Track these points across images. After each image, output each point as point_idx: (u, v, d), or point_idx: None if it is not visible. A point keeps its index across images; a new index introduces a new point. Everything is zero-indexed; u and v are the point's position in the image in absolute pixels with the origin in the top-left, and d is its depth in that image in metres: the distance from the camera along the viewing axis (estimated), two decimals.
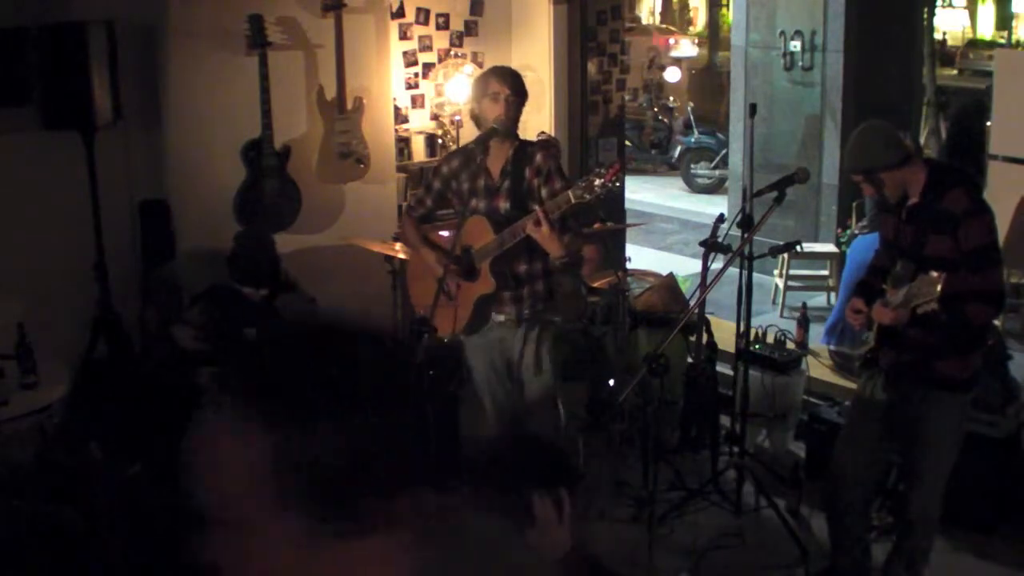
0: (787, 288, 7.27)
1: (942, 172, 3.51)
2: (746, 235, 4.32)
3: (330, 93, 5.23)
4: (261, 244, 4.47)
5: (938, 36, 14.32)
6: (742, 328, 4.69)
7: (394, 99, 5.71)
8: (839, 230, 7.56)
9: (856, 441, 3.80)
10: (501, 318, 3.98)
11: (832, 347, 5.64)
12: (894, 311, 3.37)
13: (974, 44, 18.97)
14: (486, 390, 4.15)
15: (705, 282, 4.59)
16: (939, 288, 3.13)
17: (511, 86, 3.79)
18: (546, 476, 2.02)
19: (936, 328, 3.35)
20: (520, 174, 3.84)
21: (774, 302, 7.39)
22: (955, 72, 16.65)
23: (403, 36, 5.78)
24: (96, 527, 2.58)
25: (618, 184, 3.52)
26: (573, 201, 3.55)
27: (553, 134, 6.00)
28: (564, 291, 4.04)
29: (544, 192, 3.81)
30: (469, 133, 5.74)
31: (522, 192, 3.82)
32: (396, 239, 5.15)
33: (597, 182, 3.48)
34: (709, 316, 5.21)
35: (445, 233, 4.25)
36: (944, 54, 16.29)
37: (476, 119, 3.87)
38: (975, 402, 4.60)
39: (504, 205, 3.86)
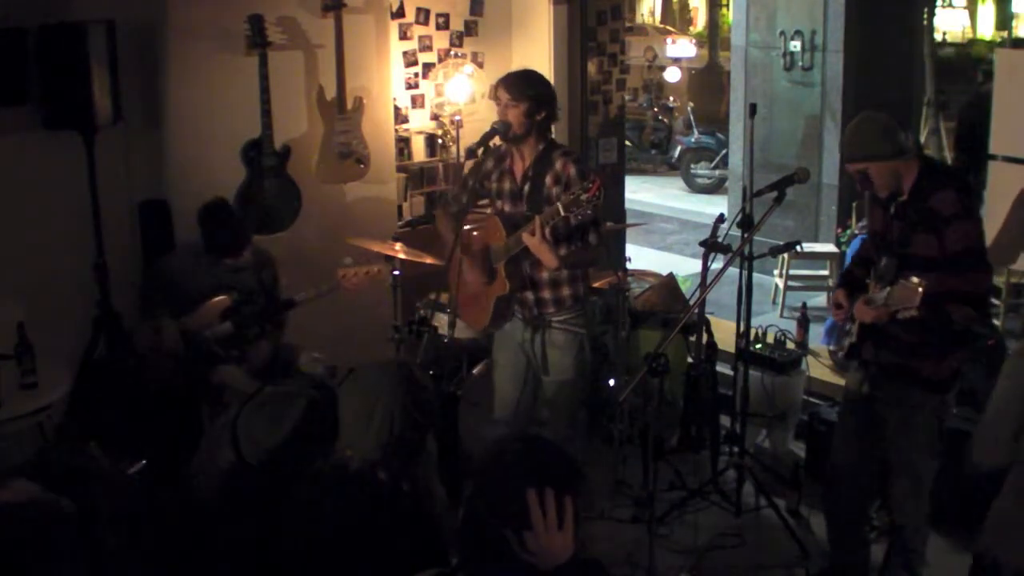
0: (787, 288, 7.27)
1: (934, 171, 3.51)
2: (746, 235, 4.32)
3: (330, 93, 5.23)
4: (224, 213, 4.47)
5: (938, 36, 14.32)
6: (742, 328, 4.70)
7: (394, 99, 5.71)
8: (839, 230, 7.56)
9: (848, 438, 3.81)
10: (518, 318, 4.00)
11: (832, 347, 5.64)
12: (875, 310, 3.37)
13: (974, 44, 18.95)
14: (498, 383, 4.17)
15: (705, 282, 4.59)
16: (920, 295, 3.13)
17: (510, 92, 3.80)
18: (548, 479, 2.02)
19: (917, 327, 3.36)
20: (541, 179, 3.83)
21: (774, 302, 7.40)
22: None
23: (403, 36, 5.77)
24: (93, 524, 2.58)
25: (600, 199, 3.50)
26: (563, 214, 3.52)
27: (553, 135, 5.98)
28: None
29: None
30: (469, 133, 5.76)
31: (541, 198, 3.80)
32: (396, 239, 5.15)
33: (584, 197, 3.47)
34: (709, 316, 5.21)
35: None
36: None
37: None
38: (975, 402, 4.61)
39: (524, 210, 3.86)
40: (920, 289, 3.12)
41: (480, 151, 3.93)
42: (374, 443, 2.55)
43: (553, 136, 4.01)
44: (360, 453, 2.57)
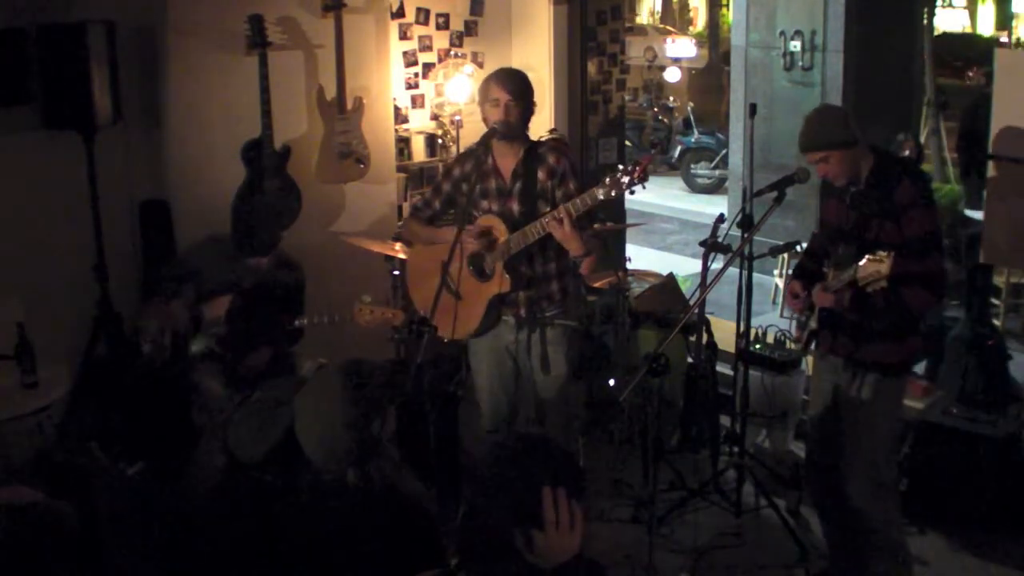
0: (787, 288, 7.27)
1: (888, 161, 3.61)
2: (746, 235, 4.33)
3: (330, 93, 5.23)
4: (259, 211, 4.48)
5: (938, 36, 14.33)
6: (742, 328, 4.70)
7: (394, 99, 5.71)
8: None
9: (824, 428, 3.83)
10: (508, 319, 3.97)
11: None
12: (832, 295, 3.46)
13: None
14: (487, 392, 4.13)
15: (705, 282, 4.59)
16: (888, 265, 3.20)
17: (510, 90, 3.77)
18: (555, 479, 2.01)
19: (873, 311, 3.43)
20: (532, 176, 3.82)
21: (774, 302, 7.40)
22: None
23: (403, 36, 5.77)
24: (93, 524, 2.59)
25: (647, 182, 3.54)
26: (600, 198, 3.53)
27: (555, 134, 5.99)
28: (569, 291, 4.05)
29: (559, 194, 3.79)
30: (469, 133, 5.75)
31: (535, 194, 3.80)
32: (396, 239, 5.15)
33: (624, 179, 3.48)
34: (709, 316, 5.21)
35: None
36: None
37: (486, 122, 3.87)
38: (975, 401, 4.62)
39: (517, 207, 3.84)
40: (887, 260, 3.19)
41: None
42: (316, 447, 2.52)
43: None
44: (317, 459, 2.55)
